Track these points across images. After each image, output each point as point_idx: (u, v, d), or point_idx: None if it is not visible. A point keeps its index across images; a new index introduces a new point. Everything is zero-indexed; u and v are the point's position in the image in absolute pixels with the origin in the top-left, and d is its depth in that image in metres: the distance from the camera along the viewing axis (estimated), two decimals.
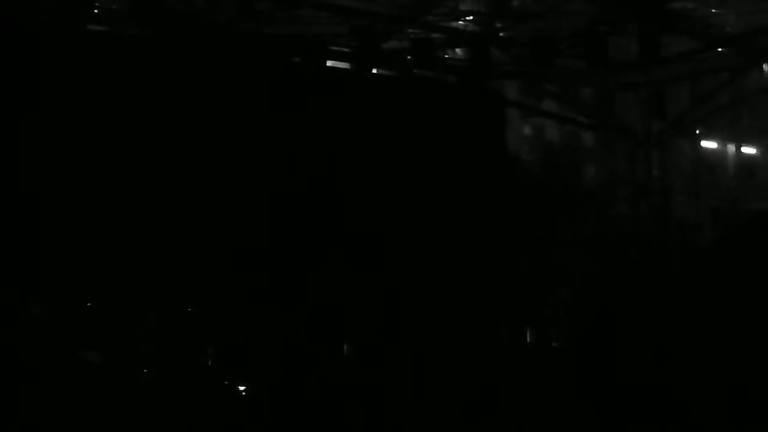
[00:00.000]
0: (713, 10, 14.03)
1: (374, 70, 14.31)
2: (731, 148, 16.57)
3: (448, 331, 12.90)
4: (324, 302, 12.67)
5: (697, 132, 16.27)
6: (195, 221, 12.30)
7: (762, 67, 14.86)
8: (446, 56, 14.86)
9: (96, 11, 12.35)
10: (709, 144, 16.35)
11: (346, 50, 14.11)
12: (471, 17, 13.78)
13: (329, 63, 14.17)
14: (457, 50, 14.75)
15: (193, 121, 12.98)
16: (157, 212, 12.25)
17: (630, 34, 14.59)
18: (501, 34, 14.35)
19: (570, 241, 16.03)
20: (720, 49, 14.61)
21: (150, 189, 12.25)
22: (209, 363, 11.05)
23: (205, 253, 12.03)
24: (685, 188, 15.98)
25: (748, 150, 16.53)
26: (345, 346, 12.01)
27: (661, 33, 14.54)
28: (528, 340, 13.18)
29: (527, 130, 16.63)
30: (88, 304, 10.84)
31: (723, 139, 16.41)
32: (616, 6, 13.73)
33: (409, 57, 13.83)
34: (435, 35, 13.92)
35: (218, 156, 13.06)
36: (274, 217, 13.29)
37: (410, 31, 13.92)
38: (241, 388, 10.51)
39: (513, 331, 13.30)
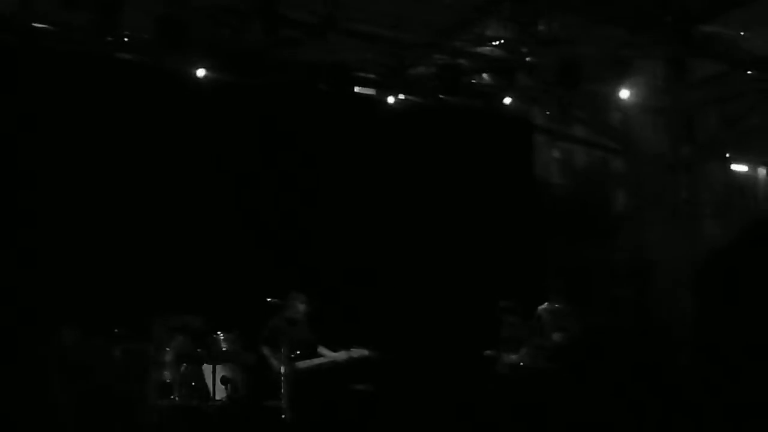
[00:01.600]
0: (741, 33, 13.96)
1: (401, 96, 14.40)
2: (762, 170, 16.43)
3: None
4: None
5: (727, 155, 16.16)
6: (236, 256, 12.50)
7: None
8: (473, 82, 14.91)
9: (126, 39, 12.51)
10: (739, 167, 16.23)
11: (373, 77, 14.22)
12: (498, 43, 13.79)
13: (356, 89, 14.29)
14: (484, 76, 14.77)
15: (221, 151, 13.18)
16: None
17: (657, 58, 14.61)
18: (528, 59, 14.37)
19: (601, 266, 15.98)
20: (748, 72, 14.53)
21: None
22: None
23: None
24: (715, 212, 15.84)
25: None
26: None
27: (689, 56, 14.54)
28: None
29: (556, 155, 16.60)
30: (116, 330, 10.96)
31: (753, 161, 16.29)
32: (642, 30, 13.71)
33: (435, 83, 13.91)
34: (462, 61, 13.98)
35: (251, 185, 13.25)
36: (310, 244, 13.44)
37: (437, 56, 13.98)
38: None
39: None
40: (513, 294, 13.94)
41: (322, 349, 11.74)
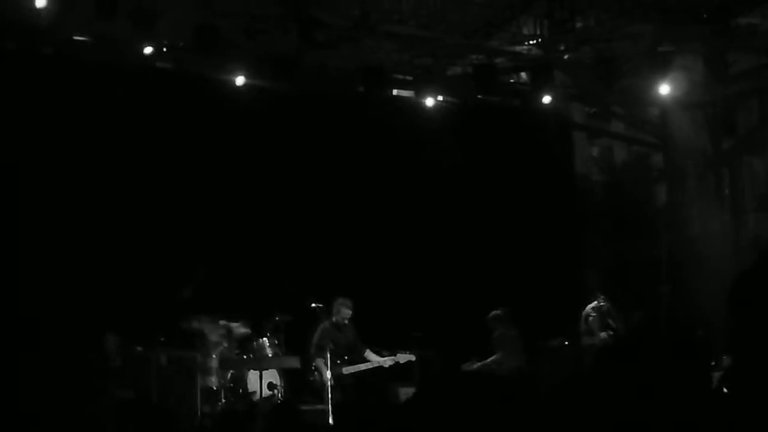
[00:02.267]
0: None
1: (439, 97, 14.38)
2: None
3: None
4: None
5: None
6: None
7: None
8: (511, 81, 14.87)
9: (164, 49, 12.59)
10: None
11: (410, 78, 14.21)
12: (534, 41, 13.74)
13: (395, 92, 14.30)
14: (522, 74, 14.72)
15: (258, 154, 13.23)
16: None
17: (695, 52, 14.48)
18: (564, 57, 14.30)
19: (643, 262, 15.86)
20: None
21: None
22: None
23: None
24: (757, 206, 15.67)
25: None
26: None
27: (727, 50, 14.41)
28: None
29: (595, 152, 16.52)
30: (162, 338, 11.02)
31: None
32: (680, 24, 13.61)
33: (472, 83, 13.87)
34: (498, 60, 13.94)
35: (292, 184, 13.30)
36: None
37: (473, 56, 13.94)
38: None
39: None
40: (555, 291, 13.94)
41: (369, 354, 11.75)
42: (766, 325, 1.48)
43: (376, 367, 11.63)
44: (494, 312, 13.18)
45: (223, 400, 11.13)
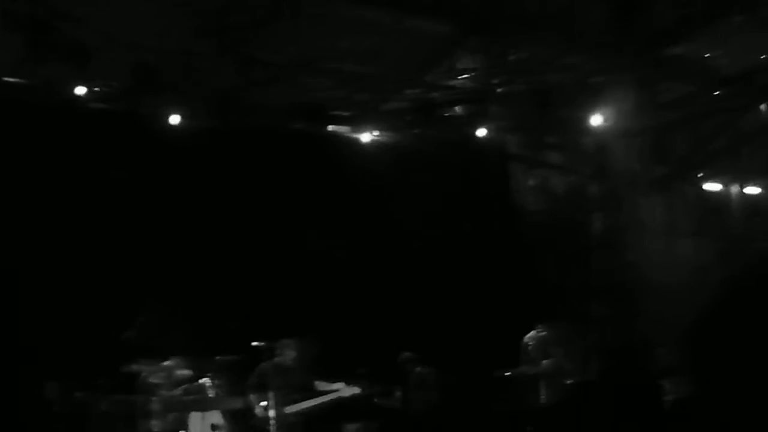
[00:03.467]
0: (707, 54, 14.14)
1: (376, 133, 14.43)
2: (734, 189, 16.57)
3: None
4: None
5: (700, 175, 16.30)
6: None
7: (760, 107, 14.92)
8: (446, 115, 14.97)
9: (96, 89, 12.47)
10: (712, 186, 16.37)
11: (347, 114, 14.25)
12: (469, 75, 13.88)
13: (331, 128, 14.32)
14: (457, 108, 14.84)
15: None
16: None
17: (626, 83, 14.74)
18: (499, 90, 14.47)
19: (581, 289, 16.04)
20: (717, 92, 14.69)
21: None
22: None
23: None
24: (690, 231, 15.96)
25: (752, 190, 16.54)
26: None
27: (657, 79, 14.70)
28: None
29: (531, 182, 16.68)
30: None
31: (726, 180, 16.43)
32: (611, 56, 13.86)
33: (409, 117, 13.96)
34: (434, 94, 14.05)
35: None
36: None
37: (409, 91, 14.04)
38: None
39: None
40: (496, 319, 14.03)
41: (319, 384, 11.69)
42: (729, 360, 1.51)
43: (320, 405, 11.56)
44: (405, 354, 13.35)
45: None
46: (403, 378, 13.27)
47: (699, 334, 1.71)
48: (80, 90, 12.08)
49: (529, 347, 13.34)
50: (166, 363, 11.53)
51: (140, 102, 12.47)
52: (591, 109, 14.39)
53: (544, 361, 13.15)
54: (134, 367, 11.28)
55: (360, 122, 14.15)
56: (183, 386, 11.56)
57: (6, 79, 12.06)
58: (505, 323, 14.06)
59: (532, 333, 13.41)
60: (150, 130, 12.83)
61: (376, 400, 12.74)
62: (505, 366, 13.51)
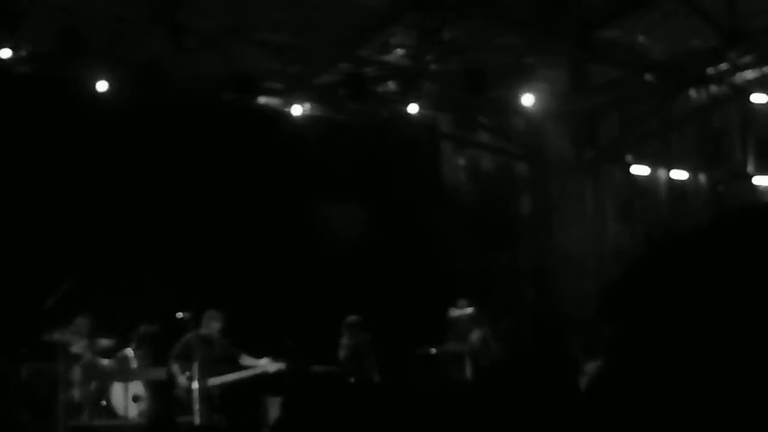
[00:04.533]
0: (639, 38, 14.27)
1: (308, 105, 14.35)
2: (662, 173, 16.79)
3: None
4: None
5: (628, 158, 16.48)
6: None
7: (689, 92, 15.13)
8: (379, 90, 14.94)
9: (24, 53, 12.24)
10: (640, 170, 16.56)
11: (279, 86, 14.14)
12: (402, 51, 13.85)
13: (262, 100, 14.20)
14: (389, 84, 14.81)
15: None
16: None
17: (558, 65, 14.84)
18: (433, 67, 14.47)
19: (507, 269, 16.16)
20: (646, 76, 14.85)
21: None
22: None
23: None
24: (618, 215, 16.15)
25: (679, 175, 16.77)
26: None
27: (589, 62, 14.81)
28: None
29: (462, 161, 16.74)
30: None
31: (654, 164, 16.64)
32: (543, 37, 13.93)
33: (341, 92, 13.89)
34: (367, 69, 14.00)
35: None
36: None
37: (342, 65, 13.97)
38: None
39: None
40: (422, 297, 14.05)
41: (244, 358, 11.60)
42: (638, 334, 1.50)
43: (244, 378, 11.48)
44: (350, 318, 13.10)
45: (87, 414, 10.84)
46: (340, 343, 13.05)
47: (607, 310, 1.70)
48: (5, 53, 11.82)
49: (456, 324, 13.38)
50: (87, 332, 11.38)
51: (67, 67, 12.23)
52: (523, 90, 14.46)
53: (471, 337, 13.20)
54: (56, 336, 11.11)
55: (291, 95, 14.05)
56: (105, 356, 11.44)
57: None
58: (430, 302, 14.10)
59: (459, 310, 13.44)
60: (76, 96, 12.60)
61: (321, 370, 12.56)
62: (430, 344, 13.55)
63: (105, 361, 11.41)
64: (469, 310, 13.47)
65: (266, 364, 11.52)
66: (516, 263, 16.19)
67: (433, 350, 13.49)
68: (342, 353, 12.90)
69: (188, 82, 13.17)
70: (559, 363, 2.72)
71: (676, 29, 13.66)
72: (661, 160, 16.71)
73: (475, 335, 13.25)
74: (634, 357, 1.53)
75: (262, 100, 14.09)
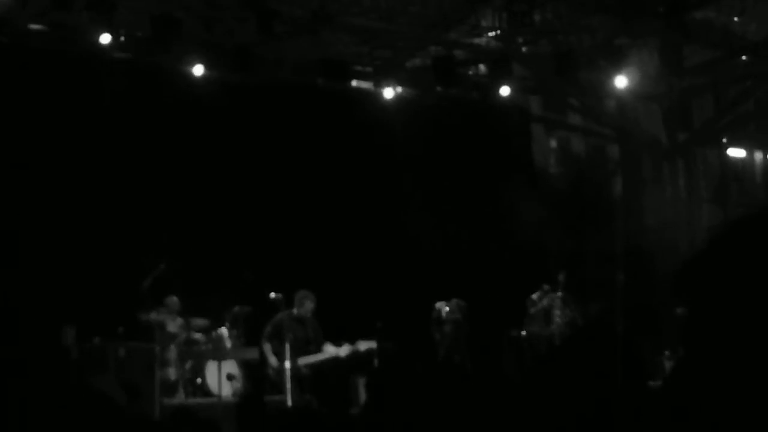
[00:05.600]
0: (735, 19, 14.01)
1: (399, 89, 14.41)
2: (758, 155, 16.49)
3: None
4: None
5: (723, 141, 16.22)
6: None
7: None
8: (469, 73, 14.94)
9: (122, 39, 12.51)
10: (735, 152, 16.28)
11: (369, 70, 14.23)
12: (492, 33, 13.82)
13: (354, 83, 14.30)
14: (480, 67, 14.80)
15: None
16: None
17: (651, 46, 14.64)
18: (523, 50, 14.40)
19: (599, 252, 16.04)
20: (742, 57, 14.57)
21: None
22: None
23: None
24: (712, 197, 15.90)
25: None
26: None
27: (682, 43, 14.59)
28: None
29: (553, 143, 16.65)
30: None
31: (749, 147, 16.34)
32: (635, 18, 13.75)
33: (431, 75, 13.92)
34: (457, 52, 14.00)
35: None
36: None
37: (432, 48, 14.00)
38: None
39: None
40: (512, 279, 14.03)
41: (327, 347, 11.66)
42: (716, 315, 1.52)
43: (334, 358, 11.59)
44: (440, 303, 13.09)
45: (182, 392, 11.11)
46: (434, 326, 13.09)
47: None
48: (105, 38, 12.09)
49: (541, 307, 13.37)
50: (178, 311, 11.64)
51: (162, 53, 12.48)
52: (614, 71, 14.30)
53: (558, 320, 13.18)
54: (153, 316, 11.39)
55: (382, 78, 14.12)
56: (200, 336, 11.68)
57: (32, 26, 12.11)
58: (519, 284, 14.09)
59: (542, 293, 13.43)
60: (171, 81, 12.87)
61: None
62: (519, 326, 13.56)
63: (200, 339, 11.64)
64: (558, 293, 13.44)
65: (357, 343, 11.58)
66: (607, 246, 16.06)
67: (523, 333, 13.51)
68: (437, 336, 12.98)
69: (279, 66, 13.33)
70: (607, 350, 2.69)
71: None
72: (757, 142, 16.40)
73: (563, 318, 13.22)
74: (710, 342, 1.55)
75: (353, 83, 14.20)
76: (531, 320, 13.46)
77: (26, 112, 12.00)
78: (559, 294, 13.51)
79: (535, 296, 13.51)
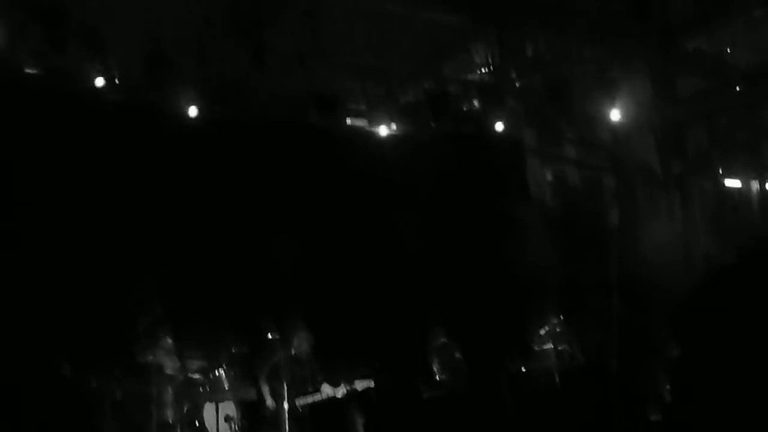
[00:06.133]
0: (727, 49, 14.05)
1: (393, 126, 14.41)
2: (755, 185, 16.48)
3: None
4: None
5: (719, 171, 16.22)
6: None
7: None
8: (463, 108, 14.95)
9: (116, 81, 12.50)
10: (731, 182, 16.28)
11: (363, 107, 14.24)
12: (485, 69, 13.86)
13: (348, 121, 14.31)
14: (474, 102, 14.81)
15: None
16: None
17: (644, 76, 14.67)
18: (516, 83, 14.43)
19: (596, 283, 15.99)
20: (736, 87, 14.60)
21: None
22: None
23: None
24: (708, 228, 15.88)
25: None
26: None
27: (675, 73, 14.62)
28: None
29: (548, 176, 16.65)
30: None
31: (745, 176, 16.34)
32: (628, 49, 13.80)
33: (425, 111, 13.92)
34: (450, 88, 14.02)
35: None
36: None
37: (425, 84, 14.01)
38: None
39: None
40: (508, 311, 14.00)
41: (325, 386, 11.59)
42: (708, 356, 1.50)
43: (331, 398, 11.52)
44: (438, 340, 13.08)
45: None
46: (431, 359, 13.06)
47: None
48: (98, 81, 12.08)
49: (543, 341, 13.32)
50: (173, 350, 11.58)
51: (154, 92, 12.46)
52: (608, 102, 14.31)
53: (559, 349, 13.11)
54: (149, 357, 11.33)
55: (376, 115, 14.12)
56: (197, 376, 11.60)
57: (27, 71, 12.10)
58: (516, 316, 14.04)
59: (546, 327, 13.38)
60: (165, 120, 12.85)
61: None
62: (517, 358, 13.49)
63: (198, 380, 11.57)
64: (556, 326, 13.38)
65: (355, 383, 11.53)
66: (603, 277, 16.01)
67: (523, 369, 13.43)
68: (436, 372, 12.95)
69: (271, 102, 13.32)
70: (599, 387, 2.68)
71: (765, 37, 13.43)
72: (753, 172, 16.40)
73: (562, 352, 13.16)
74: (702, 383, 1.53)
75: (347, 121, 14.21)
76: (536, 356, 13.38)
77: (22, 154, 11.98)
78: (558, 328, 13.46)
79: (542, 332, 13.44)
